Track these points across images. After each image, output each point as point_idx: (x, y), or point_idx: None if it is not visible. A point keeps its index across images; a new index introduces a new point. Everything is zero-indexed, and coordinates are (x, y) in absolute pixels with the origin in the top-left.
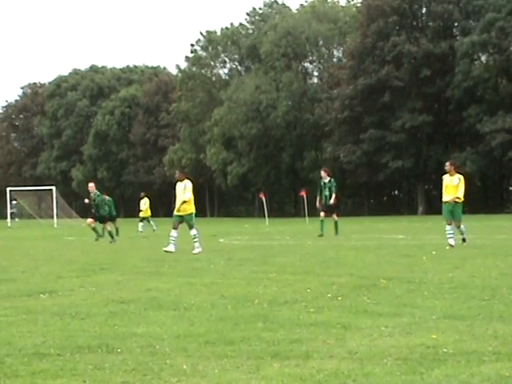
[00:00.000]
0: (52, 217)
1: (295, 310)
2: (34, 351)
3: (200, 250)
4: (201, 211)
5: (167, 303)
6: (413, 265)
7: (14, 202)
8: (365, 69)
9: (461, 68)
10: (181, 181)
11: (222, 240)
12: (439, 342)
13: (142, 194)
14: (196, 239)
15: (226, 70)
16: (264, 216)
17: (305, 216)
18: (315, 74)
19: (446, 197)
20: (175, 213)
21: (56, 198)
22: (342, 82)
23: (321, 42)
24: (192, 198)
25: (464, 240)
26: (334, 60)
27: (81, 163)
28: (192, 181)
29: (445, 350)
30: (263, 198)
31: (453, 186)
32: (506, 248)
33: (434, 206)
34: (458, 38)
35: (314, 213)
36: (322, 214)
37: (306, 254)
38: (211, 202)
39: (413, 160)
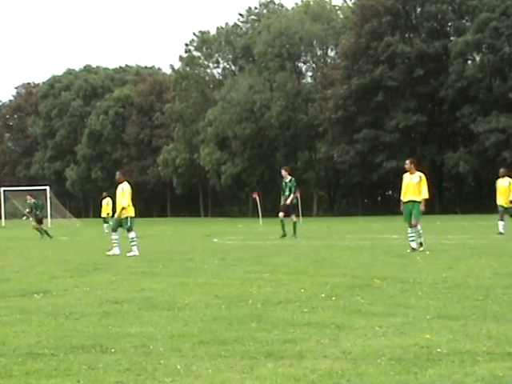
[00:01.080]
0: (46, 217)
1: (289, 309)
2: (28, 351)
3: (136, 253)
4: (195, 211)
5: (161, 303)
6: (407, 265)
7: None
8: (358, 69)
9: (454, 68)
10: (120, 183)
11: (215, 240)
12: (433, 341)
13: (104, 193)
14: (134, 242)
15: (219, 70)
16: (258, 216)
17: (299, 216)
18: (309, 74)
19: (407, 196)
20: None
21: (50, 198)
22: (336, 82)
23: (314, 42)
24: (129, 202)
25: (421, 244)
26: (328, 60)
27: (75, 163)
28: (130, 183)
29: (438, 349)
30: (257, 198)
31: (413, 185)
32: (499, 248)
33: (427, 206)
34: (451, 37)
35: (308, 213)
36: (281, 214)
37: (299, 253)
38: (205, 202)
39: (406, 160)
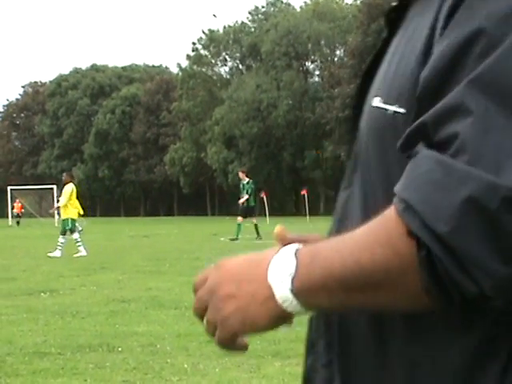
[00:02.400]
0: (53, 216)
1: None
2: (34, 350)
3: (59, 255)
4: (202, 210)
5: (168, 302)
6: None
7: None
8: None
9: None
10: (66, 184)
11: (222, 239)
12: None
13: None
14: (79, 243)
15: (227, 69)
16: (265, 215)
17: (306, 215)
18: (316, 72)
19: None
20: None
21: (57, 197)
22: (343, 81)
23: (322, 41)
24: (66, 202)
25: None
26: (336, 59)
27: (82, 162)
28: (75, 184)
29: None
30: (264, 197)
31: None
32: None
33: None
34: None
35: (315, 212)
36: (240, 218)
37: None
38: (212, 201)
39: None
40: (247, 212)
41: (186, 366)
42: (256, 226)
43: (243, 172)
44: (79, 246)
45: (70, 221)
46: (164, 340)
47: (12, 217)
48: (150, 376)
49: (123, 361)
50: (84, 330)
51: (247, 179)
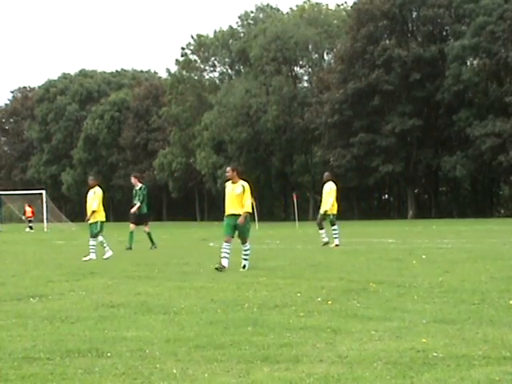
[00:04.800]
0: (42, 221)
1: (285, 314)
2: (23, 355)
3: (94, 257)
4: (191, 215)
5: (157, 307)
6: (403, 269)
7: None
8: (355, 73)
9: (451, 72)
10: (92, 187)
11: (212, 244)
12: (429, 346)
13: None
14: (93, 249)
15: (216, 74)
16: (254, 220)
17: (295, 220)
18: (305, 78)
19: (230, 209)
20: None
21: (46, 202)
22: (332, 86)
23: (310, 46)
24: (100, 206)
25: (244, 267)
26: (324, 64)
27: (71, 167)
28: (102, 188)
29: (435, 354)
30: (253, 202)
31: (236, 195)
32: (495, 252)
33: (424, 210)
34: (448, 41)
35: (304, 217)
36: (132, 225)
37: (296, 257)
38: (201, 206)
39: (403, 164)
40: (139, 219)
41: (174, 371)
42: (149, 234)
43: (135, 177)
44: (92, 252)
45: (99, 224)
46: (153, 345)
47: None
48: (138, 381)
49: (112, 366)
50: (73, 335)
51: (140, 185)
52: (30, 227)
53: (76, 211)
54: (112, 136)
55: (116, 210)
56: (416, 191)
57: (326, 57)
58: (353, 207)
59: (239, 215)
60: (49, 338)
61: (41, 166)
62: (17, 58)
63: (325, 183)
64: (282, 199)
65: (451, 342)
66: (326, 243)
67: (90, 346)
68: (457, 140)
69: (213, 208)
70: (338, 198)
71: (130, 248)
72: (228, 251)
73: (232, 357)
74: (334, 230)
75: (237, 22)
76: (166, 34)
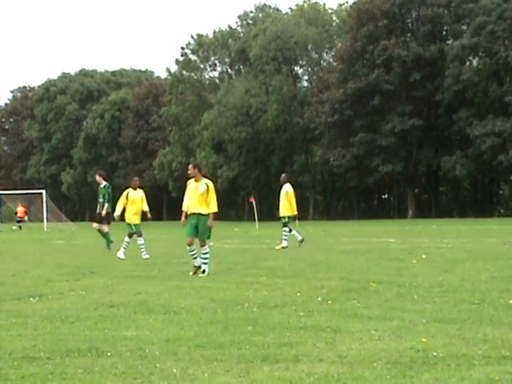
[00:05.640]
0: (42, 220)
1: (285, 313)
2: (23, 355)
3: (147, 257)
4: None
5: (157, 307)
6: (403, 268)
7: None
8: (355, 72)
9: (451, 71)
10: (136, 188)
11: (212, 244)
12: (429, 345)
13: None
14: (125, 246)
15: (216, 74)
16: (254, 220)
17: (295, 220)
18: (305, 77)
19: (192, 208)
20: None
21: (46, 201)
22: (332, 86)
23: (310, 46)
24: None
25: (204, 272)
26: (324, 64)
27: (71, 167)
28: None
29: (435, 353)
30: (253, 202)
31: (199, 194)
32: (495, 252)
33: (424, 209)
34: (448, 41)
35: (304, 217)
36: (95, 224)
37: (295, 257)
38: (218, 205)
39: (403, 164)
40: (101, 217)
41: (174, 370)
42: (107, 234)
43: (100, 175)
44: (125, 248)
45: (133, 225)
46: (153, 345)
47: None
48: (138, 381)
49: (112, 365)
50: (73, 334)
51: (104, 183)
52: (19, 226)
53: (76, 211)
54: (112, 135)
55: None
56: (416, 191)
57: (325, 56)
58: (353, 207)
59: (202, 214)
60: (49, 338)
61: (41, 166)
62: (17, 58)
63: (282, 186)
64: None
65: (451, 341)
66: (302, 240)
67: (89, 346)
68: (457, 140)
69: None
70: (298, 201)
71: (109, 248)
72: (195, 252)
73: (232, 356)
74: (285, 231)
75: (236, 22)
76: (166, 34)
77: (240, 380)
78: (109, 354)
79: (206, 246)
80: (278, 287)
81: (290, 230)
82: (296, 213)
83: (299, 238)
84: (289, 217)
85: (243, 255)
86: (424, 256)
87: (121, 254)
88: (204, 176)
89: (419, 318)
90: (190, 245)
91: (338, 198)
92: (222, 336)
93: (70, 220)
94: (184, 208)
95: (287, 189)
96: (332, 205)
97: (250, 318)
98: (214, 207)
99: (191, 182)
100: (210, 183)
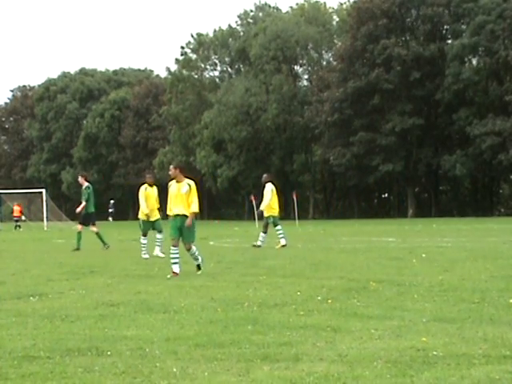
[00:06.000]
0: (42, 220)
1: (285, 312)
2: (23, 354)
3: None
4: None
5: (157, 306)
6: (403, 268)
7: (112, 202)
8: (355, 71)
9: (451, 71)
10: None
11: (212, 243)
12: (429, 344)
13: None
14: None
15: (216, 73)
16: (254, 219)
17: (295, 219)
18: (305, 76)
19: (175, 209)
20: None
21: (46, 200)
22: (332, 85)
23: (310, 45)
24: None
25: (199, 267)
26: (324, 63)
27: (71, 166)
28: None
29: (434, 352)
30: (253, 201)
31: (182, 195)
32: (495, 251)
33: (424, 208)
34: (447, 40)
35: (304, 216)
36: (79, 226)
37: (295, 256)
38: (201, 205)
39: (403, 163)
40: (85, 219)
41: (174, 369)
42: (97, 234)
43: (82, 176)
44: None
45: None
46: (153, 344)
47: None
48: (138, 380)
49: (112, 365)
50: (73, 333)
51: (86, 184)
52: (19, 226)
53: (76, 210)
54: (112, 135)
55: (116, 208)
56: (416, 190)
57: (325, 55)
58: (353, 206)
59: (185, 216)
60: (49, 337)
61: (41, 165)
62: (17, 57)
63: (264, 185)
64: (282, 198)
65: (451, 340)
66: (258, 246)
67: (89, 345)
68: (457, 139)
69: (213, 207)
70: (280, 200)
71: (78, 249)
72: (177, 256)
73: (232, 355)
74: (278, 230)
75: (236, 21)
76: (166, 33)
77: (240, 379)
78: (109, 353)
79: (194, 249)
80: (278, 286)
81: (266, 232)
82: (274, 214)
83: (259, 243)
84: (273, 216)
85: (243, 254)
86: (424, 255)
87: (158, 252)
88: (186, 176)
89: (419, 317)
90: (174, 246)
91: (337, 197)
92: (222, 335)
93: (70, 219)
94: (169, 212)
95: (267, 189)
96: (332, 204)
97: (250, 317)
98: (195, 207)
99: (173, 184)
100: (193, 183)
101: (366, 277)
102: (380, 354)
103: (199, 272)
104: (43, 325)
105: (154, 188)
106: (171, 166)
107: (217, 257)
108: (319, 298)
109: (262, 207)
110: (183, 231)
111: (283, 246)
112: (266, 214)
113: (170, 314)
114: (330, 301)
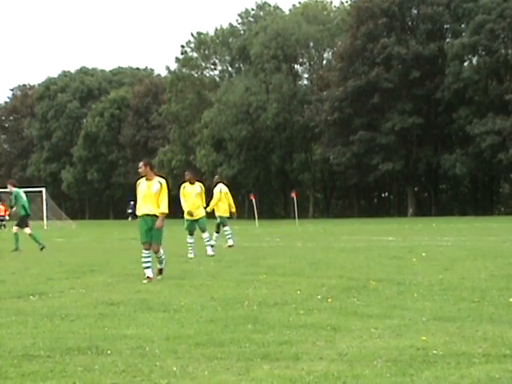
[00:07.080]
0: (42, 219)
1: (285, 311)
2: (23, 353)
3: (212, 253)
4: None
5: (157, 305)
6: (402, 266)
7: (131, 203)
8: (354, 70)
9: (451, 70)
10: (192, 183)
11: (212, 242)
12: (429, 343)
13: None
14: (209, 241)
15: (216, 72)
16: (254, 218)
17: (295, 218)
18: (305, 75)
19: (143, 209)
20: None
21: (46, 199)
22: (332, 84)
23: (311, 44)
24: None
25: (161, 271)
26: (324, 62)
27: (71, 165)
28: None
29: (434, 351)
30: (253, 200)
31: (153, 194)
32: (495, 250)
33: (424, 207)
34: (447, 39)
35: (304, 215)
36: (15, 228)
37: (295, 255)
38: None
39: (402, 162)
40: (21, 222)
41: (174, 368)
42: (31, 235)
43: (10, 183)
44: (208, 244)
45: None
46: (153, 343)
47: None
48: (138, 379)
49: (112, 364)
50: (73, 332)
51: (14, 189)
52: (4, 225)
53: (76, 209)
54: (112, 134)
55: (116, 207)
56: (416, 189)
57: (325, 54)
58: (353, 205)
59: (155, 216)
60: (49, 336)
61: (41, 164)
62: (17, 56)
63: (215, 185)
64: (282, 197)
65: (451, 339)
66: (212, 246)
67: (89, 344)
68: (457, 138)
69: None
70: (235, 200)
71: (16, 249)
72: (149, 259)
73: (232, 354)
74: (226, 230)
75: (237, 20)
76: (166, 32)
77: (240, 378)
78: (109, 352)
79: (161, 251)
80: (277, 285)
81: (218, 232)
82: (233, 210)
83: (213, 242)
84: (227, 217)
85: (243, 253)
86: (424, 254)
87: (210, 251)
88: (156, 174)
89: (419, 316)
90: (147, 249)
91: (337, 196)
92: (222, 334)
93: (70, 218)
94: (138, 212)
95: (221, 188)
96: (332, 203)
97: (249, 316)
98: (164, 208)
99: (142, 182)
100: (164, 181)
101: (366, 276)
102: (380, 353)
103: (160, 277)
104: (43, 324)
105: (195, 185)
106: (141, 163)
107: (217, 256)
108: (319, 296)
109: (208, 208)
110: (152, 232)
111: (230, 246)
112: (216, 214)
113: (170, 312)
114: (329, 300)
